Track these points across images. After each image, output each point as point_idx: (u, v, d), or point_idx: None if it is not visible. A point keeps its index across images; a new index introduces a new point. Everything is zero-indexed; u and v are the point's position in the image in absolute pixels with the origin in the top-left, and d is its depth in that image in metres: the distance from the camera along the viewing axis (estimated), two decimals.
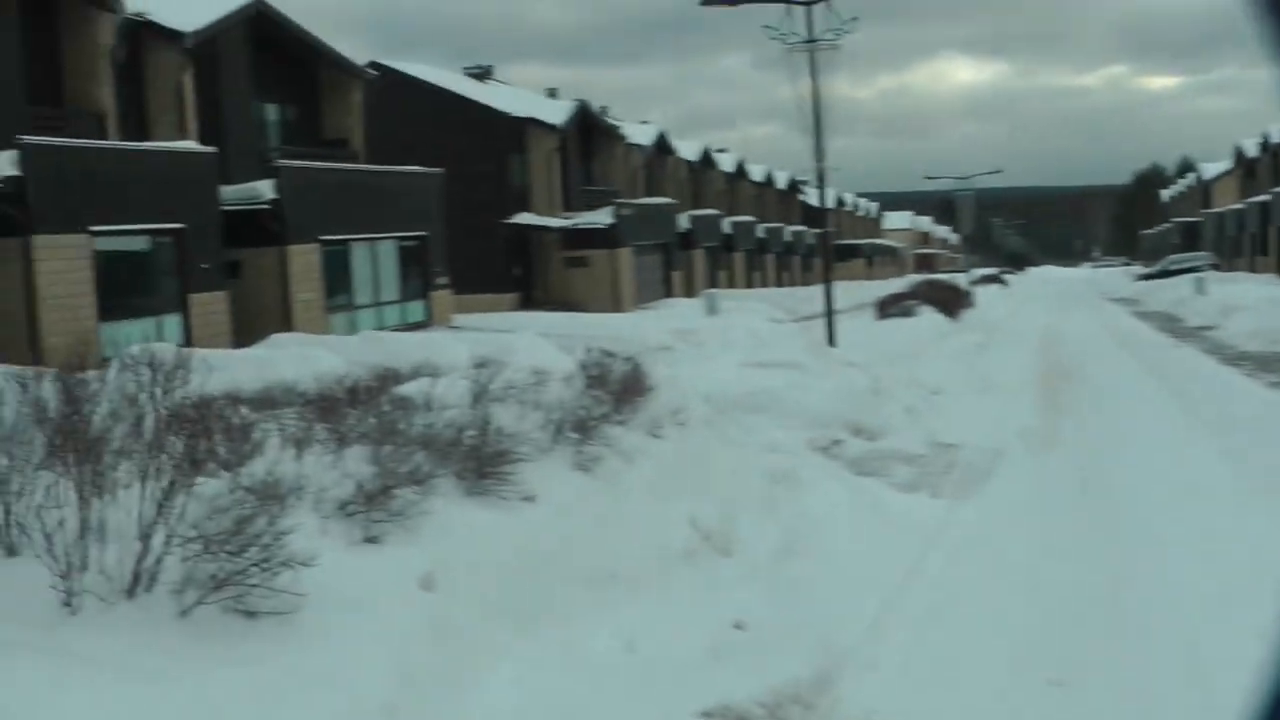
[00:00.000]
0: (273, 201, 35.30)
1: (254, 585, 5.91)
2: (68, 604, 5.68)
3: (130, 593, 5.86)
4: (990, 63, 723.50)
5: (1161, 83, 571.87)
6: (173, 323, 31.55)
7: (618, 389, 10.25)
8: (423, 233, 42.79)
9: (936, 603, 9.21)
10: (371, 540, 7.06)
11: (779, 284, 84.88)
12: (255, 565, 5.84)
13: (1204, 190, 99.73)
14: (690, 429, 10.84)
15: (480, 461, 8.12)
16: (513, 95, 64.14)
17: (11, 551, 5.97)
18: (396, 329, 38.50)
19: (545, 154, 58.21)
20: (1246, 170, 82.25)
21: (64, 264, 27.78)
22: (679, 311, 52.71)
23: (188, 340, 31.23)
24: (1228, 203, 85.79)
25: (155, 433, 6.02)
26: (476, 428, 8.41)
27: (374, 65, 54.54)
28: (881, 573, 9.68)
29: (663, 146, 73.39)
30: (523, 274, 57.11)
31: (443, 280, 43.87)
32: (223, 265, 33.46)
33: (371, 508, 7.05)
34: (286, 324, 34.98)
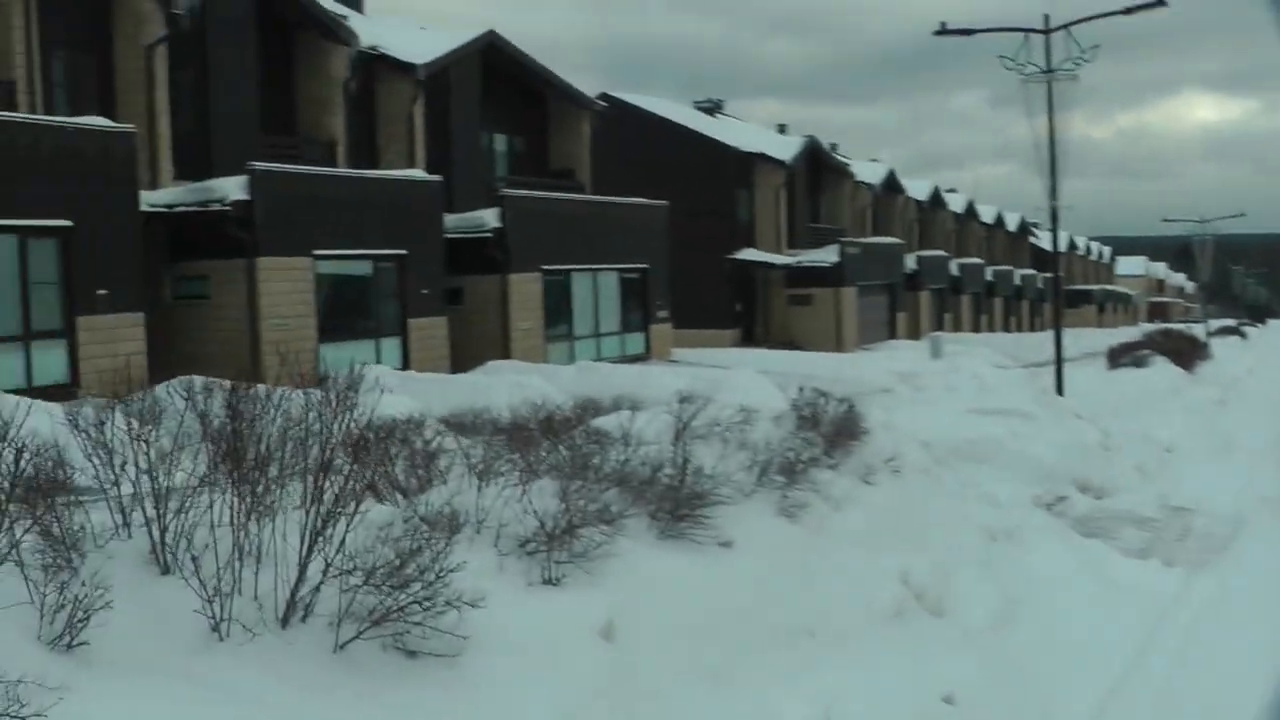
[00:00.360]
0: (496, 230, 35.54)
1: (416, 623, 5.46)
2: (215, 630, 5.32)
3: (283, 622, 5.48)
4: (1235, 99, 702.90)
5: None
6: (391, 346, 31.91)
7: (830, 431, 9.62)
8: (645, 265, 42.67)
9: (1170, 688, 8.28)
10: (550, 582, 6.54)
11: (1006, 329, 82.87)
12: (417, 602, 5.40)
13: None
14: (905, 477, 10.09)
15: (676, 502, 7.60)
16: (742, 130, 63.91)
17: (166, 570, 5.63)
18: (615, 360, 38.37)
19: (772, 190, 57.78)
20: None
21: (288, 285, 28.32)
22: (902, 354, 51.63)
23: (406, 363, 31.62)
24: None
25: (322, 454, 5.64)
26: (674, 466, 7.90)
27: (603, 97, 54.86)
28: (1109, 648, 8.75)
29: (891, 185, 72.31)
30: (744, 310, 56.72)
31: (663, 313, 43.67)
32: (444, 291, 33.77)
33: (553, 547, 6.54)
34: (505, 351, 35.19)
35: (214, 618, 5.26)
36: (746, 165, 57.13)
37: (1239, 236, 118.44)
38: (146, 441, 5.53)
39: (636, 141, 54.21)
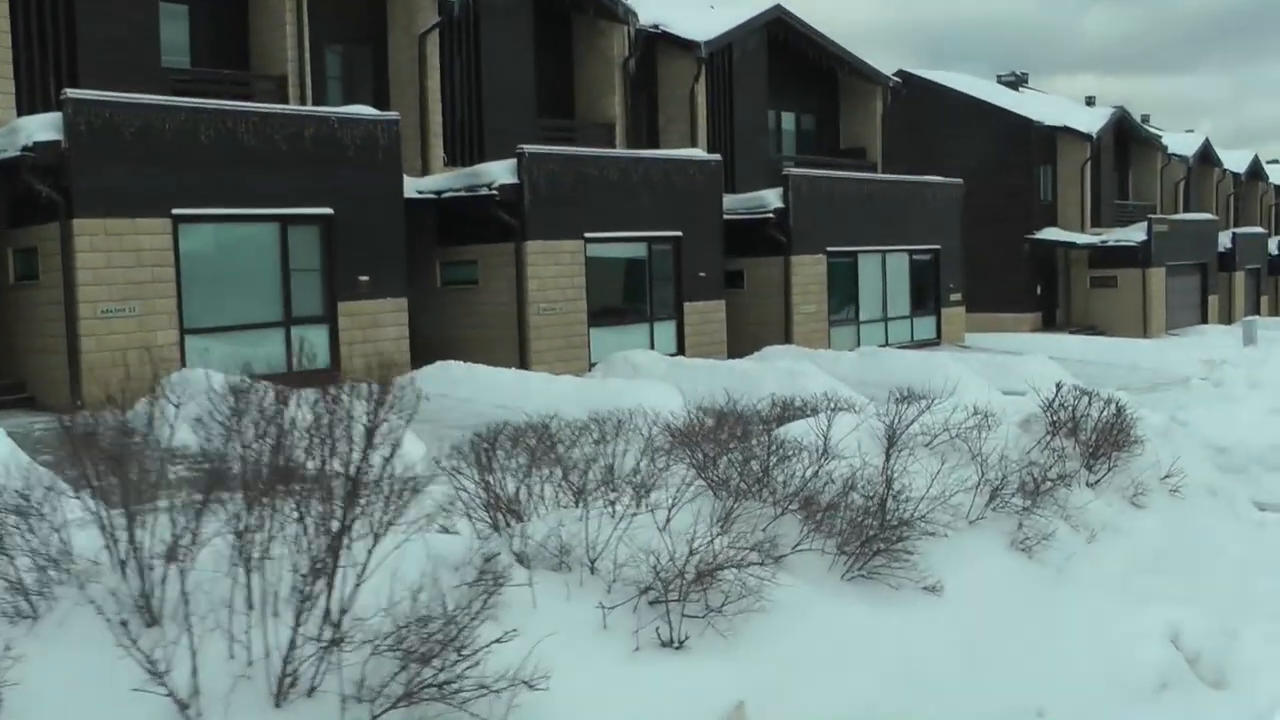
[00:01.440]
0: (778, 210, 34.14)
1: (456, 705, 4.08)
2: (183, 711, 4.02)
3: (278, 699, 4.18)
4: None
5: None
6: (666, 330, 30.86)
7: (1091, 440, 7.81)
8: (937, 246, 40.60)
9: None
10: (671, 644, 4.98)
11: None
12: (435, 685, 4.02)
13: None
14: (1186, 499, 7.95)
15: (870, 533, 6.02)
16: (1045, 103, 60.82)
17: (154, 621, 4.35)
18: (903, 346, 36.61)
19: (1076, 165, 54.70)
20: None
21: (556, 269, 27.61)
22: (1211, 340, 48.01)
23: (680, 348, 30.56)
24: None
25: (321, 469, 4.28)
26: (875, 485, 6.30)
27: (900, 74, 52.90)
28: None
29: (1206, 157, 67.76)
30: (1045, 293, 53.88)
31: (956, 297, 41.49)
32: (722, 274, 32.57)
33: (680, 595, 4.98)
34: (786, 336, 33.85)
35: (172, 694, 3.95)
36: (1049, 139, 54.28)
37: None
38: (116, 458, 4.28)
39: (933, 118, 52.18)
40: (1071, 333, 49.17)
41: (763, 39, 38.44)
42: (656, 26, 35.53)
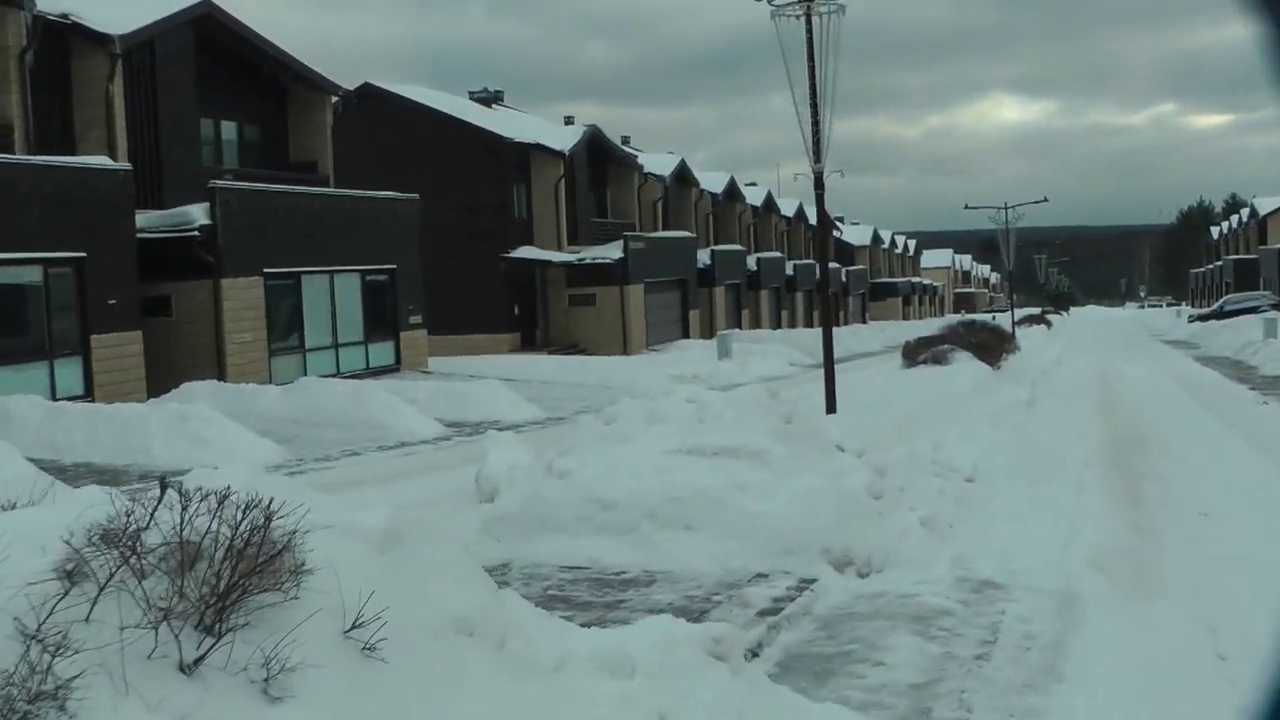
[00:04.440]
0: (204, 228, 30.45)
1: None
2: None
3: None
4: (1037, 101, 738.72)
5: (1209, 121, 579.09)
6: (70, 369, 26.63)
7: (213, 581, 4.19)
8: (393, 266, 37.79)
9: None
10: None
11: (809, 324, 79.85)
12: None
13: (1260, 226, 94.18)
14: (394, 657, 4.13)
15: None
16: (520, 121, 59.39)
17: None
18: (358, 374, 33.70)
19: (551, 183, 53.38)
20: None
21: None
22: (692, 354, 47.59)
23: (89, 389, 26.42)
24: None
25: None
26: None
27: (363, 87, 50.24)
28: None
29: (683, 177, 68.33)
30: (523, 313, 52.13)
31: (416, 319, 38.79)
32: (140, 301, 28.56)
33: None
34: (220, 369, 30.18)
35: None
36: (522, 157, 52.70)
37: (1040, 229, 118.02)
38: None
39: (402, 134, 49.68)
40: (551, 353, 47.70)
41: (192, 37, 34.48)
42: (66, 16, 30.99)
